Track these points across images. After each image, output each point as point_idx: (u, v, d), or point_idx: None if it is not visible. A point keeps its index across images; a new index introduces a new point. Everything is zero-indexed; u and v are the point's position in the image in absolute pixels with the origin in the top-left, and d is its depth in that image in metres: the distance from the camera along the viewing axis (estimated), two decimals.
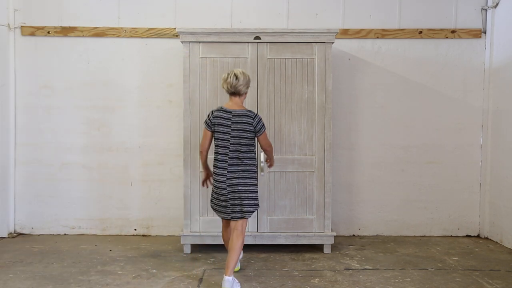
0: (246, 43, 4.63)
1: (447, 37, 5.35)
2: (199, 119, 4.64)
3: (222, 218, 3.92)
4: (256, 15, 5.32)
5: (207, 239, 4.68)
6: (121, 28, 5.31)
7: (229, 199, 3.76)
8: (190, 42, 4.61)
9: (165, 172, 5.35)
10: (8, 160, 5.28)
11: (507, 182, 4.97)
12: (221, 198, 3.79)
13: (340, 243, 5.06)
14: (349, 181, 5.40)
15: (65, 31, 5.31)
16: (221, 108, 3.82)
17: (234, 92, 3.78)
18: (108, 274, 4.04)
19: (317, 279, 3.95)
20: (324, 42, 4.63)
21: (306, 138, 4.69)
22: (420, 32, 5.33)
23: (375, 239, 5.28)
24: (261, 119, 3.81)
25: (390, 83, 5.37)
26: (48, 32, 5.30)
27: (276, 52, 4.64)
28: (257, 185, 3.84)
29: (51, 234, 5.37)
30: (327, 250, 4.71)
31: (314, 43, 4.63)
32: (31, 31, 5.30)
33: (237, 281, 3.72)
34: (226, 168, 3.74)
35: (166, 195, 5.36)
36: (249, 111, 3.81)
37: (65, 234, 5.38)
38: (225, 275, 3.59)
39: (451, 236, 5.42)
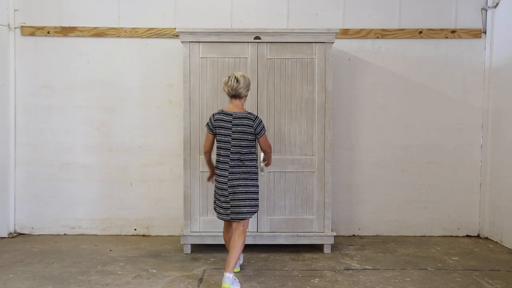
0: (246, 43, 4.63)
1: (447, 37, 5.35)
2: (199, 119, 4.64)
3: (222, 220, 3.94)
4: (256, 15, 5.32)
5: (207, 239, 4.68)
6: (121, 28, 5.31)
7: (230, 200, 3.78)
8: (190, 42, 4.61)
9: (165, 172, 5.36)
10: (8, 160, 5.28)
11: (507, 182, 4.97)
12: (222, 199, 3.81)
13: (340, 243, 5.06)
14: (349, 181, 5.40)
15: (65, 31, 5.31)
16: (222, 111, 3.85)
17: (235, 95, 3.82)
18: (108, 274, 4.04)
19: (317, 279, 3.95)
20: (324, 42, 4.63)
21: (306, 138, 4.69)
22: (420, 32, 5.33)
23: (375, 239, 5.28)
24: (261, 121, 3.84)
25: (390, 83, 5.37)
26: (48, 32, 5.30)
27: (276, 52, 4.64)
28: (258, 186, 3.87)
29: (51, 234, 5.37)
30: (327, 250, 4.71)
31: (314, 43, 4.63)
32: (31, 31, 5.30)
33: (237, 280, 3.73)
34: (228, 170, 3.77)
35: (166, 195, 5.36)
36: (250, 113, 3.83)
37: (65, 234, 5.38)
38: (226, 272, 3.62)
39: (451, 236, 5.42)
